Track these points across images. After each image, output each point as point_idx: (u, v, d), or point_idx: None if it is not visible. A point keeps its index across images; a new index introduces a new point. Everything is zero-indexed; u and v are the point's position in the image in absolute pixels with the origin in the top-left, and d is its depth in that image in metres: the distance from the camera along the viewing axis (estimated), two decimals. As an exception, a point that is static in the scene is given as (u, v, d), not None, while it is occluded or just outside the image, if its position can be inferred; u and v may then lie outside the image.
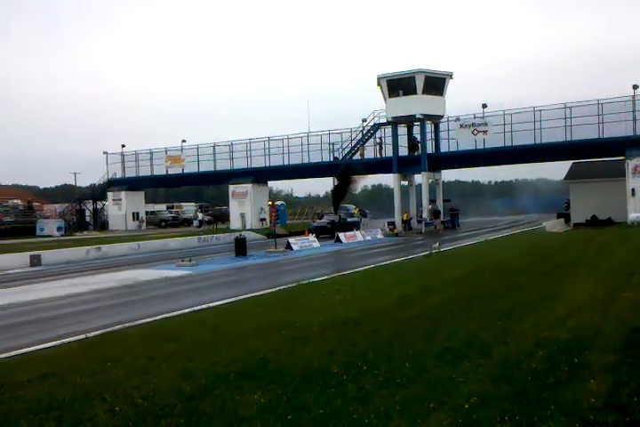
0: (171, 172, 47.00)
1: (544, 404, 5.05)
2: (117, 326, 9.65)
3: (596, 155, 33.93)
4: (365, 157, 38.68)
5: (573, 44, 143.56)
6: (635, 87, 30.36)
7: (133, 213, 49.26)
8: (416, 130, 37.94)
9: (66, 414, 5.46)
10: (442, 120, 37.42)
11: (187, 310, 11.04)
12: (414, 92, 35.44)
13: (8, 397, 6.03)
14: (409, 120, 37.04)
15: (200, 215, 45.05)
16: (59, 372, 6.89)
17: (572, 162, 36.12)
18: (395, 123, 37.08)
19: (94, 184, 52.25)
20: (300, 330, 8.33)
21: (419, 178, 38.63)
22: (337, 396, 5.55)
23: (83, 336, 9.02)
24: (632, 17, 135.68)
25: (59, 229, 40.97)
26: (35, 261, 23.72)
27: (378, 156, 38.86)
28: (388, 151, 38.41)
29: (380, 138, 38.88)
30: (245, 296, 12.50)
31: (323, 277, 14.99)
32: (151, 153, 48.01)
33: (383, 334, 7.84)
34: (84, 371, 6.86)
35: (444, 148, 37.92)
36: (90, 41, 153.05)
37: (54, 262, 24.10)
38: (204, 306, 11.37)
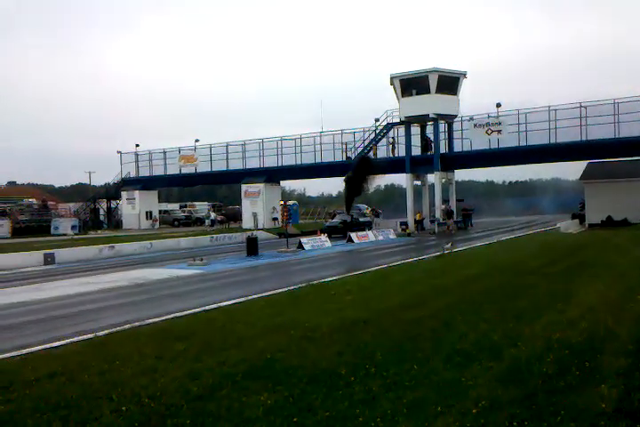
0: (184, 171, 47.22)
1: (554, 409, 4.96)
2: (127, 326, 9.67)
3: (611, 155, 33.54)
4: (378, 156, 38.56)
5: (589, 44, 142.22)
6: (652, 86, 30.00)
7: (147, 213, 49.54)
8: (429, 129, 37.76)
9: (73, 414, 5.47)
10: (455, 120, 37.19)
11: (197, 310, 11.05)
12: (428, 91, 35.25)
13: (16, 396, 6.04)
14: (422, 120, 36.87)
15: (213, 215, 45.11)
16: (67, 370, 6.91)
17: (587, 162, 35.72)
18: (408, 122, 36.92)
19: (108, 183, 52.65)
20: (308, 330, 8.29)
21: (432, 178, 38.44)
22: (344, 398, 5.51)
23: (92, 335, 9.04)
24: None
25: (73, 227, 41.24)
26: (48, 259, 23.91)
27: (391, 155, 38.74)
28: (402, 151, 38.28)
29: (393, 137, 38.77)
30: (255, 296, 12.48)
31: (333, 278, 14.96)
32: (164, 152, 48.27)
33: (392, 336, 7.78)
34: (93, 370, 6.87)
35: (457, 147, 37.69)
36: (111, 41, 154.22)
37: (68, 261, 24.27)
38: (213, 305, 11.37)
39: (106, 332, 9.29)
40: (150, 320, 10.15)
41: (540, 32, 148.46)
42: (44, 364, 7.34)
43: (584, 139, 32.25)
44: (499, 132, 34.60)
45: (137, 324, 9.79)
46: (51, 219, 43.61)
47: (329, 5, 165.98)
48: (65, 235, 38.31)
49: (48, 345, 8.67)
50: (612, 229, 28.03)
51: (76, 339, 8.98)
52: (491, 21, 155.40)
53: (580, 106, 32.21)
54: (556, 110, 33.06)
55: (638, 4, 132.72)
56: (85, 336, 9.07)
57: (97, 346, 8.28)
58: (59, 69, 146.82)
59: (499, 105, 34.63)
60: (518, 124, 34.30)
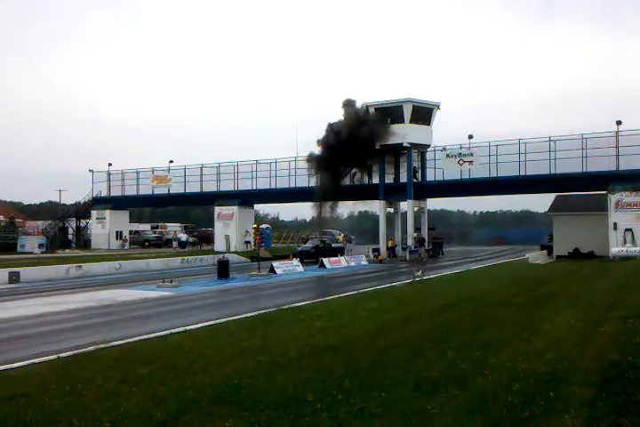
0: (157, 192, 46.84)
1: (518, 438, 4.99)
2: (91, 347, 9.47)
3: (579, 188, 34.33)
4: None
5: (563, 79, 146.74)
6: (618, 123, 30.92)
7: (117, 232, 48.85)
8: (402, 158, 38.30)
9: (30, 438, 5.32)
10: (428, 149, 37.82)
11: (163, 333, 10.89)
12: (402, 120, 35.85)
13: (-29, 418, 5.86)
14: (396, 148, 37.35)
15: (183, 236, 44.65)
16: (27, 393, 6.74)
17: (555, 195, 36.54)
18: (382, 150, 37.35)
19: (79, 202, 51.86)
20: (277, 356, 8.23)
21: (404, 205, 38.83)
22: (310, 425, 5.47)
23: (54, 357, 8.84)
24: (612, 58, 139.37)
25: (40, 246, 40.42)
26: (13, 277, 23.37)
27: (365, 182, 39.15)
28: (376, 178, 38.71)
29: (371, 164, 39.09)
30: (224, 320, 12.35)
31: (304, 303, 14.93)
32: (137, 172, 47.88)
33: (361, 363, 7.76)
34: (54, 392, 6.71)
35: (429, 177, 38.26)
36: (83, 58, 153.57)
37: (33, 280, 23.75)
38: (181, 329, 11.22)
39: (69, 353, 9.10)
40: (115, 343, 9.96)
41: (515, 67, 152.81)
42: (3, 386, 7.15)
43: (553, 172, 33.01)
44: (470, 162, 35.22)
45: (102, 346, 9.60)
46: (17, 236, 42.72)
47: (307, 33, 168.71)
48: (31, 253, 37.53)
49: (8, 366, 8.44)
50: (578, 261, 28.56)
51: (37, 360, 8.76)
52: (466, 55, 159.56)
53: (550, 140, 33.04)
54: (526, 143, 33.83)
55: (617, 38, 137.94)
56: (48, 358, 8.87)
57: (59, 368, 8.09)
58: (30, 88, 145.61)
59: (471, 137, 35.37)
60: (489, 155, 34.99)
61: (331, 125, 37.24)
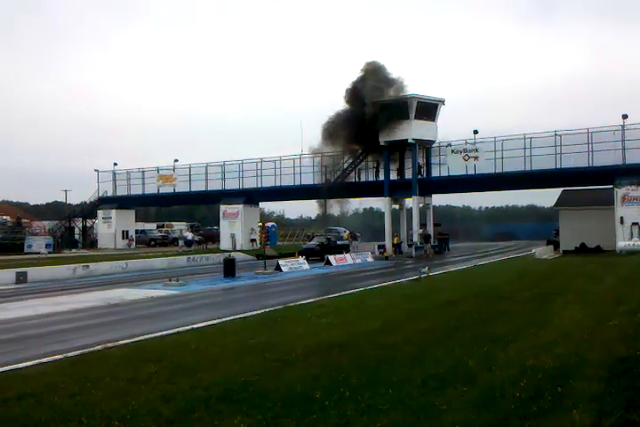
0: (162, 191, 46.92)
1: (526, 434, 4.98)
2: (99, 347, 9.50)
3: (585, 183, 34.19)
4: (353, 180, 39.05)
5: (566, 73, 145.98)
6: (624, 117, 30.76)
7: (123, 232, 48.96)
8: (407, 154, 38.22)
9: (40, 437, 5.34)
10: (433, 145, 37.73)
11: (170, 331, 10.92)
12: (407, 117, 35.79)
13: (-19, 418, 5.89)
14: (401, 144, 37.27)
15: (190, 235, 44.72)
16: (36, 392, 6.76)
17: (561, 189, 36.40)
18: (387, 147, 37.31)
19: (85, 202, 52.04)
20: (284, 353, 8.24)
21: (410, 202, 38.77)
22: (318, 422, 5.46)
23: (62, 356, 8.87)
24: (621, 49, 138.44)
25: (47, 246, 40.51)
26: (20, 277, 23.48)
27: (373, 179, 39.12)
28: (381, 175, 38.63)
29: (378, 161, 39.07)
30: (231, 318, 12.38)
31: (310, 300, 14.93)
32: (143, 172, 47.97)
33: (368, 360, 7.76)
34: (63, 392, 6.73)
35: (435, 173, 38.15)
36: (87, 56, 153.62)
37: (40, 280, 23.84)
38: (188, 327, 11.24)
39: (77, 353, 9.13)
40: (123, 342, 9.99)
41: (520, 61, 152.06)
42: (13, 385, 7.18)
43: (559, 167, 32.87)
44: (476, 158, 35.11)
45: (109, 345, 9.63)
46: (24, 237, 42.88)
47: (309, 27, 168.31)
48: (38, 253, 37.66)
49: (17, 366, 8.48)
50: (585, 256, 28.45)
51: (46, 360, 8.80)
52: (472, 51, 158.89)
53: (555, 134, 32.89)
54: (531, 138, 33.68)
55: (619, 34, 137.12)
56: (56, 357, 8.90)
57: (68, 367, 8.13)
58: (34, 86, 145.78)
59: (476, 132, 35.27)
60: (494, 151, 34.86)
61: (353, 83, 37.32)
